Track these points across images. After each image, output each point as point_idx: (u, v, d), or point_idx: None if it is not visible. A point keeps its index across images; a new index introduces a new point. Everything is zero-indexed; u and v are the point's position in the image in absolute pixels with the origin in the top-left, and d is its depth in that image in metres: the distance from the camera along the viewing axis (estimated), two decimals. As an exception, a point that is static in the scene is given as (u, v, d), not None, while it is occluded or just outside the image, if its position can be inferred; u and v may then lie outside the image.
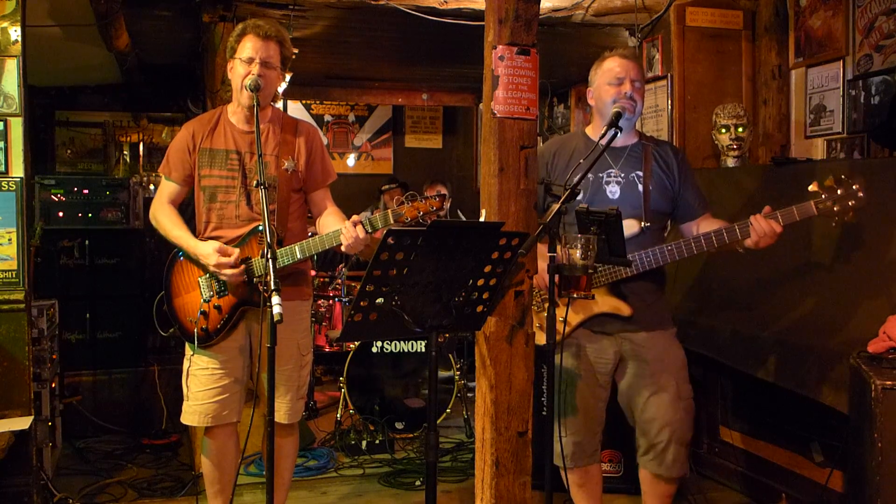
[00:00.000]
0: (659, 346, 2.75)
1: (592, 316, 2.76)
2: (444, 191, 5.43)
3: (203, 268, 2.80)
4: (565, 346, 2.74)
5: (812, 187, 2.62)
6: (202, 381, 2.81)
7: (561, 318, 2.51)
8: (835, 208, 2.58)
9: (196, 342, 2.78)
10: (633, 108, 2.73)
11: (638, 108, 2.78)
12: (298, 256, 2.72)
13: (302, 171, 2.87)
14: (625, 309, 2.73)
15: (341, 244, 2.66)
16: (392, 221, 2.63)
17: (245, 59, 2.74)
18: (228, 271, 2.72)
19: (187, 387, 2.85)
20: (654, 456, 2.77)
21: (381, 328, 2.18)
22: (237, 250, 2.74)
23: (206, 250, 2.74)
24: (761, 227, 2.58)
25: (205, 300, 2.79)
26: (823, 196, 2.59)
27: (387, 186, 6.32)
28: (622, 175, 2.78)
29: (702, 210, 2.85)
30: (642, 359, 2.75)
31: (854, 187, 2.57)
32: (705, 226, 2.78)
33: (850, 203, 2.57)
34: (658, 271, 2.81)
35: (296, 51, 2.91)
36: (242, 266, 2.73)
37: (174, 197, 2.90)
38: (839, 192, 2.58)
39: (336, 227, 2.71)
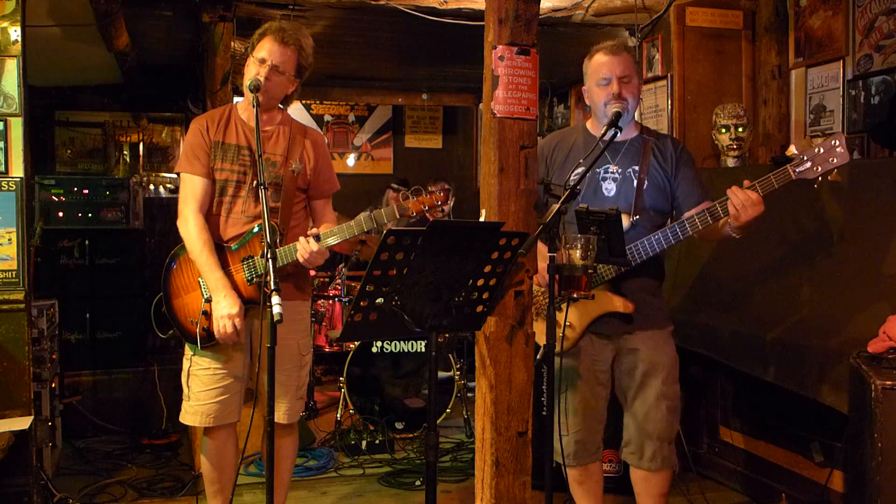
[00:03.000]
0: (651, 345, 2.76)
1: (596, 318, 2.76)
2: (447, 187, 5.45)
3: None
4: (564, 347, 2.74)
5: (790, 150, 2.52)
6: (204, 381, 2.81)
7: (565, 324, 2.50)
8: (815, 168, 2.48)
9: (199, 343, 2.76)
10: (625, 108, 2.69)
11: (631, 106, 2.73)
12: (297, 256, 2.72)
13: (310, 175, 2.87)
14: (627, 305, 2.72)
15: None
16: (398, 216, 2.65)
17: (258, 59, 2.74)
18: (228, 329, 2.67)
19: (188, 386, 2.84)
20: (634, 450, 2.81)
21: (381, 328, 2.17)
22: (241, 326, 2.71)
23: (226, 297, 2.69)
24: (738, 197, 2.51)
25: (206, 300, 2.77)
26: (804, 157, 2.49)
27: (395, 185, 6.31)
28: (619, 171, 2.77)
29: (700, 199, 2.76)
30: (633, 357, 2.77)
31: (834, 142, 2.45)
32: None
33: (831, 160, 2.46)
34: (655, 268, 2.80)
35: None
36: (236, 335, 2.70)
37: (201, 197, 2.79)
38: (818, 150, 2.47)
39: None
